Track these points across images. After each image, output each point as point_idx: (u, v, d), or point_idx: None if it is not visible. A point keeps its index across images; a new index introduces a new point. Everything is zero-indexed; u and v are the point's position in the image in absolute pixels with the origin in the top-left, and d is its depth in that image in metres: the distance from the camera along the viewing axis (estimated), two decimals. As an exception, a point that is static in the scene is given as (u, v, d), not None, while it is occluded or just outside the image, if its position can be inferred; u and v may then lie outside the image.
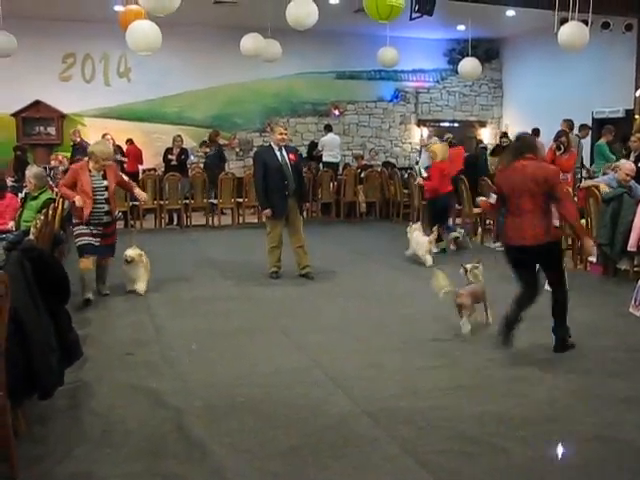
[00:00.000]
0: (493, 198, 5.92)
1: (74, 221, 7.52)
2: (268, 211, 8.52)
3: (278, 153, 8.53)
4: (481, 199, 6.40)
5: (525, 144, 5.59)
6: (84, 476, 3.66)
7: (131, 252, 7.76)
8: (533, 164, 5.42)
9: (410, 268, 9.37)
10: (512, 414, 4.43)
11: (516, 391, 4.84)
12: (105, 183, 7.47)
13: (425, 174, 11.63)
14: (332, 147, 15.78)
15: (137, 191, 8.16)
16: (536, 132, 14.08)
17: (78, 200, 7.20)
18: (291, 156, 8.61)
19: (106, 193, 7.46)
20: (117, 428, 4.23)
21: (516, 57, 18.84)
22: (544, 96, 17.12)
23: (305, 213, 14.74)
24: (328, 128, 16.17)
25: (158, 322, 6.69)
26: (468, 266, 6.51)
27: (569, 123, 13.26)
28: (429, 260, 9.40)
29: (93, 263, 7.50)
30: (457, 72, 15.03)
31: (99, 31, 15.43)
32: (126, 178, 8.94)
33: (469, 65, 13.81)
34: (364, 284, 8.45)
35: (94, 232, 7.40)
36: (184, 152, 14.43)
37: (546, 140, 14.30)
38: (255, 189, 9.12)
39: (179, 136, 14.61)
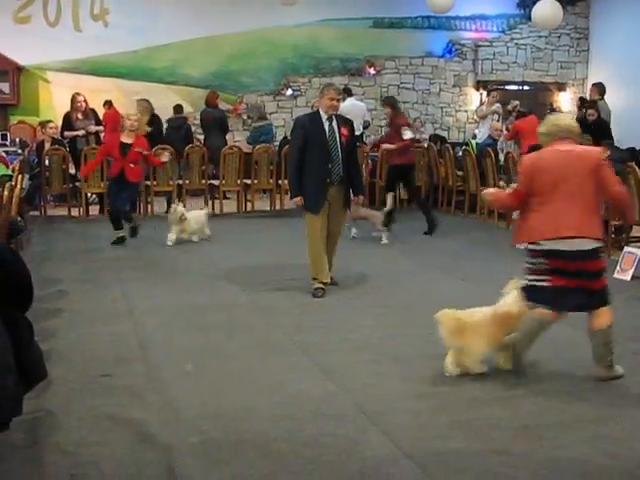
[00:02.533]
0: None
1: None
2: (298, 199, 8.12)
3: (326, 124, 8.03)
4: None
5: None
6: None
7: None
8: None
9: (463, 271, 9.32)
10: (600, 465, 4.37)
11: (605, 435, 4.77)
12: None
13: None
14: (354, 117, 15.66)
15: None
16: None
17: None
18: (343, 130, 8.09)
19: None
20: (89, 471, 4.24)
21: (609, -2, 18.64)
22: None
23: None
24: (347, 92, 16.06)
25: (144, 335, 6.71)
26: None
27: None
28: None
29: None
30: (530, 19, 14.96)
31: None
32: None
33: (546, 9, 13.73)
34: (405, 291, 8.42)
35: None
36: (156, 120, 14.40)
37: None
38: (288, 166, 8.84)
39: (146, 101, 14.56)
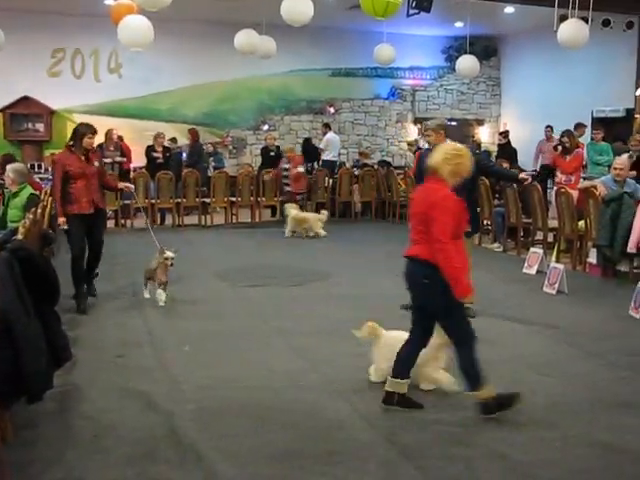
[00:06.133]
0: None
1: None
2: None
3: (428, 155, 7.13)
4: None
5: None
6: (74, 481, 3.65)
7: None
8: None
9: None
10: (510, 418, 4.41)
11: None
12: None
13: None
14: (335, 146, 15.92)
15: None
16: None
17: None
18: None
19: None
20: (108, 432, 4.21)
21: (515, 55, 18.83)
22: (543, 94, 17.13)
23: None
24: (328, 127, 16.24)
25: (150, 323, 6.66)
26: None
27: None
28: None
29: None
30: (455, 70, 15.03)
31: (89, 26, 15.38)
32: None
33: (467, 63, 13.78)
34: (360, 286, 8.42)
35: None
36: (168, 149, 14.45)
37: (539, 138, 14.65)
38: None
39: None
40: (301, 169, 13.38)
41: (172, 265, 7.34)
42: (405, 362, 4.55)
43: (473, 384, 4.35)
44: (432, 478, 3.68)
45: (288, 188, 13.23)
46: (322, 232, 12.21)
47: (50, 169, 14.52)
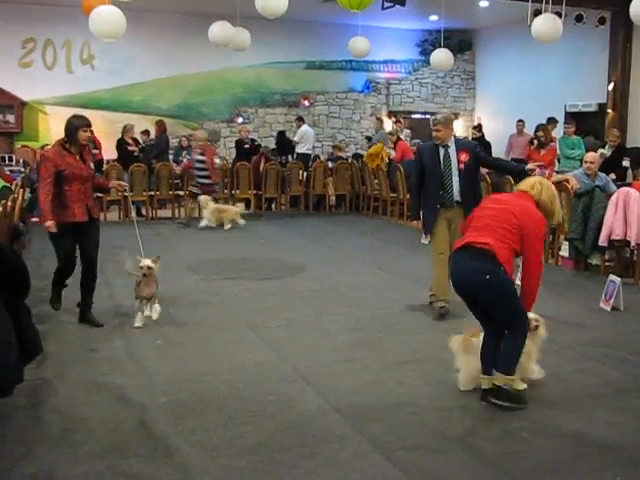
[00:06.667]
0: None
1: None
2: (414, 223, 7.25)
3: (441, 152, 6.70)
4: None
5: None
6: (44, 476, 3.62)
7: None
8: None
9: (379, 262, 9.39)
10: (480, 409, 4.48)
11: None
12: None
13: None
14: (309, 139, 15.89)
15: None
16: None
17: None
18: (462, 156, 6.64)
19: None
20: (79, 426, 4.19)
21: (489, 49, 18.98)
22: (517, 89, 17.29)
23: (274, 206, 14.82)
24: (302, 120, 16.21)
25: (122, 315, 6.62)
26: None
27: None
28: None
29: None
30: (429, 63, 15.09)
31: (61, 16, 15.24)
32: None
33: (441, 56, 13.84)
34: (333, 279, 8.43)
35: None
36: (137, 141, 14.43)
37: (512, 132, 14.78)
38: (410, 191, 7.70)
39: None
40: (218, 160, 13.29)
41: (145, 275, 6.24)
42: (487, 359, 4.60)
43: (508, 369, 4.46)
44: (404, 469, 3.70)
45: (207, 180, 12.64)
46: (242, 221, 12.42)
47: (22, 161, 14.43)
